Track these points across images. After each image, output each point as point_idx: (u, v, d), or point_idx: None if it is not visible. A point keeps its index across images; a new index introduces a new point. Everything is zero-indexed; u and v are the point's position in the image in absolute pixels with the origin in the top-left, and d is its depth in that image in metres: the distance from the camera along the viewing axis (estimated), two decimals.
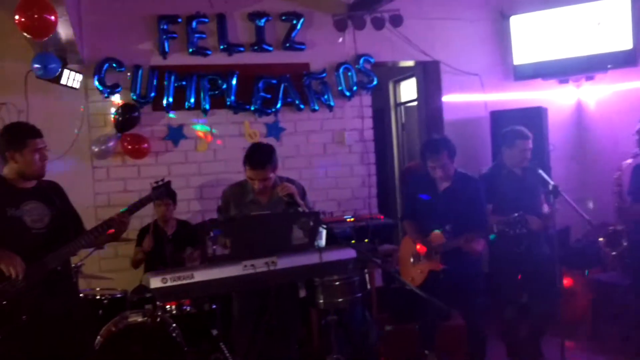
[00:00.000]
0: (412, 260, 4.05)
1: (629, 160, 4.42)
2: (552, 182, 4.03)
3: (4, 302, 2.88)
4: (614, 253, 4.44)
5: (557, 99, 6.48)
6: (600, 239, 4.44)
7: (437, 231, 3.93)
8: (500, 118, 5.92)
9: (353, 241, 4.88)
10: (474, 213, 3.94)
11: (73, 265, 4.11)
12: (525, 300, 4.21)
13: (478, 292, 4.02)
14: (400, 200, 7.59)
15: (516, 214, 3.74)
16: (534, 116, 5.84)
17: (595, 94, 6.37)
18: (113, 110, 5.39)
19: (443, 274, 3.88)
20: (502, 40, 6.42)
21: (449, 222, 3.91)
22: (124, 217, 3.17)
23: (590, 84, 6.30)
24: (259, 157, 3.65)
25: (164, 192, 3.39)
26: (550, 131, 5.95)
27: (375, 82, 6.08)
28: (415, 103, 7.37)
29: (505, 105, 6.15)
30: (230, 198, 3.78)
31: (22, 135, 3.05)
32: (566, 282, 5.05)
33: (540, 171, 4.10)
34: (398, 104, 8.04)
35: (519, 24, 6.28)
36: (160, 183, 3.39)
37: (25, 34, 3.79)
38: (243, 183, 3.83)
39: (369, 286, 4.11)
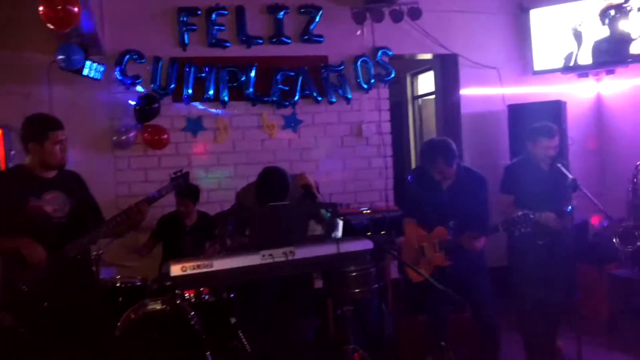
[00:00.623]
0: (415, 256, 4.03)
1: None
2: (570, 176, 4.01)
3: (26, 289, 2.95)
4: (629, 249, 4.41)
5: (577, 93, 6.42)
6: (615, 240, 4.41)
7: (440, 227, 3.93)
8: (518, 112, 5.89)
9: (369, 233, 4.90)
10: (476, 209, 3.93)
11: (94, 253, 4.22)
12: (543, 294, 4.19)
13: (483, 286, 4.02)
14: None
15: (520, 213, 3.74)
16: (553, 110, 5.79)
17: (616, 88, 6.30)
18: (133, 101, 5.47)
19: (450, 269, 3.88)
20: (521, 33, 6.38)
21: (452, 219, 3.91)
22: (142, 206, 3.20)
23: (610, 78, 6.23)
24: (277, 195, 3.67)
25: (182, 183, 3.40)
26: (569, 125, 5.90)
27: (392, 75, 6.08)
28: (432, 96, 7.35)
29: (523, 99, 6.12)
30: (244, 200, 3.79)
31: (44, 127, 3.10)
32: (584, 277, 5.03)
33: (560, 165, 4.08)
34: (415, 97, 8.03)
35: (538, 17, 6.23)
36: (179, 174, 3.40)
37: (48, 25, 3.85)
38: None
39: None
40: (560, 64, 6.12)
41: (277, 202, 3.60)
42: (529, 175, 4.15)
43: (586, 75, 6.27)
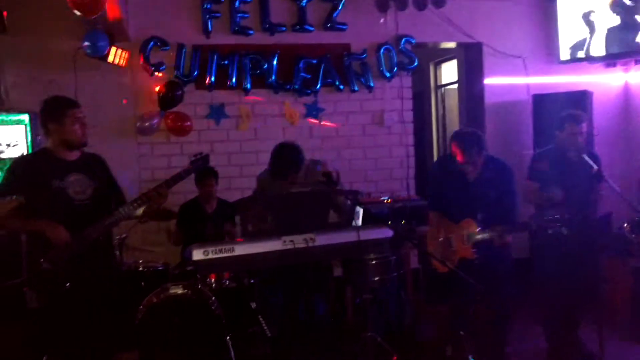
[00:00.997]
0: (441, 248, 4.00)
1: None
2: (595, 167, 3.96)
3: (49, 267, 3.00)
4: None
5: (604, 83, 6.31)
6: (625, 225, 4.34)
7: (469, 219, 3.90)
8: (543, 102, 5.81)
9: (389, 222, 4.89)
10: (505, 201, 3.89)
11: (117, 237, 4.29)
12: (567, 285, 4.15)
13: (508, 278, 3.98)
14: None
15: (557, 215, 3.70)
16: (579, 100, 5.69)
17: None
18: (157, 87, 5.52)
19: (477, 261, 3.86)
20: (547, 22, 6.27)
21: (480, 211, 3.88)
22: (161, 189, 3.22)
23: (639, 67, 6.11)
24: (285, 169, 3.66)
25: (201, 166, 3.41)
26: (596, 116, 5.81)
27: (415, 64, 6.04)
28: (455, 85, 7.29)
29: (548, 89, 6.03)
30: (265, 183, 3.80)
31: (61, 106, 3.15)
32: (607, 269, 4.97)
33: (585, 156, 4.03)
34: (438, 86, 7.96)
35: (565, 5, 6.12)
36: (199, 156, 3.41)
37: (75, 11, 3.90)
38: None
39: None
40: (582, 54, 6.01)
41: (290, 175, 3.57)
42: (556, 164, 4.11)
43: (614, 64, 6.16)
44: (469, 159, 3.87)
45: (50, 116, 3.14)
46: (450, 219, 3.98)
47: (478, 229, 3.83)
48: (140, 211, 3.26)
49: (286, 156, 3.74)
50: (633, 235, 4.29)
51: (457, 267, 3.83)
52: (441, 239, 3.96)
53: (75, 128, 3.11)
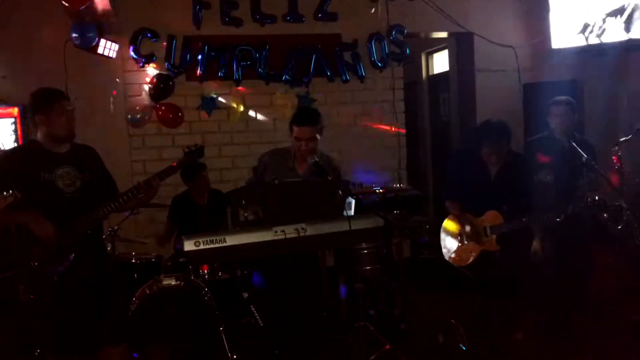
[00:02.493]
0: (459, 240, 4.01)
1: None
2: (585, 156, 3.98)
3: (36, 264, 2.99)
4: (619, 227, 4.40)
5: (594, 72, 6.31)
6: (605, 215, 4.40)
7: (493, 211, 3.89)
8: (533, 91, 5.83)
9: (381, 212, 4.91)
10: (527, 190, 3.91)
11: (109, 229, 4.29)
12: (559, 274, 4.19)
13: (530, 271, 3.98)
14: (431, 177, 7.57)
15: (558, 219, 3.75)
16: (569, 90, 5.71)
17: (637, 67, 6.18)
18: (148, 79, 5.49)
19: (499, 254, 3.85)
20: (538, 10, 6.27)
21: (504, 203, 3.87)
22: (153, 182, 3.21)
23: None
24: (307, 115, 3.67)
25: (197, 158, 3.39)
26: (586, 105, 5.82)
27: (407, 54, 6.04)
28: (448, 75, 7.28)
29: (539, 78, 6.04)
30: (268, 164, 3.77)
31: (48, 98, 3.11)
32: (599, 257, 5.00)
33: (574, 144, 4.05)
34: (430, 76, 7.96)
35: None
36: (193, 148, 3.39)
37: (63, 2, 3.87)
38: (283, 151, 3.81)
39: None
40: (578, 41, 6.00)
41: (310, 120, 3.62)
42: (548, 150, 4.14)
43: (605, 53, 6.15)
44: (497, 150, 3.84)
45: (37, 108, 3.10)
46: (472, 211, 3.96)
47: (503, 221, 3.83)
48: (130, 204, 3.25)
49: (311, 109, 3.87)
50: (611, 224, 4.33)
51: (477, 259, 3.83)
52: (464, 232, 3.94)
53: (62, 120, 3.08)
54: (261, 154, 3.89)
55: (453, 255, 3.96)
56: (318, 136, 3.62)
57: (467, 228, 3.90)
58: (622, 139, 4.41)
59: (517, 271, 3.81)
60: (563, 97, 4.29)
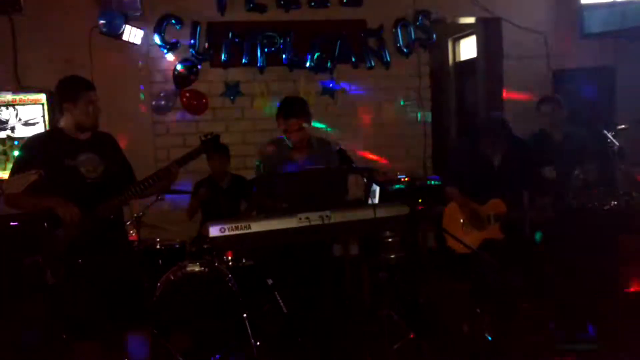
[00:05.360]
0: (462, 226, 3.98)
1: None
2: (617, 144, 3.90)
3: (61, 247, 3.03)
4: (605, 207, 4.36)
5: (628, 59, 6.14)
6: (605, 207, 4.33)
7: (497, 200, 3.86)
8: (564, 78, 5.69)
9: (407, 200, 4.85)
10: (530, 177, 3.88)
11: (135, 215, 4.32)
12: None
13: (534, 258, 3.96)
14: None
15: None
16: (602, 77, 5.58)
17: None
18: (172, 66, 5.49)
19: (502, 243, 3.83)
20: None
21: (508, 190, 3.85)
22: (172, 168, 3.23)
23: None
24: (292, 107, 3.69)
25: (212, 145, 3.42)
26: (620, 93, 5.67)
27: (433, 39, 5.94)
28: (475, 62, 7.15)
29: (570, 65, 5.89)
30: (267, 157, 3.79)
31: (77, 87, 3.16)
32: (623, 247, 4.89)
33: (605, 132, 3.99)
34: (457, 63, 7.83)
35: None
36: (209, 137, 3.42)
37: None
38: (278, 141, 3.83)
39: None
40: (611, 26, 5.83)
41: (294, 111, 3.63)
42: (544, 147, 4.16)
43: (638, 39, 5.98)
44: (496, 146, 3.90)
45: (65, 95, 3.15)
46: (475, 199, 3.94)
47: (506, 210, 3.79)
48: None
49: (294, 99, 3.81)
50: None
51: (480, 247, 3.81)
52: (466, 219, 3.91)
53: (88, 110, 3.13)
54: (261, 145, 3.88)
55: (454, 243, 3.95)
56: (306, 125, 3.66)
57: (469, 216, 3.90)
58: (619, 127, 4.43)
59: (518, 260, 3.81)
60: (550, 95, 4.44)
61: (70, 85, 3.18)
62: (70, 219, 2.99)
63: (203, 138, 3.40)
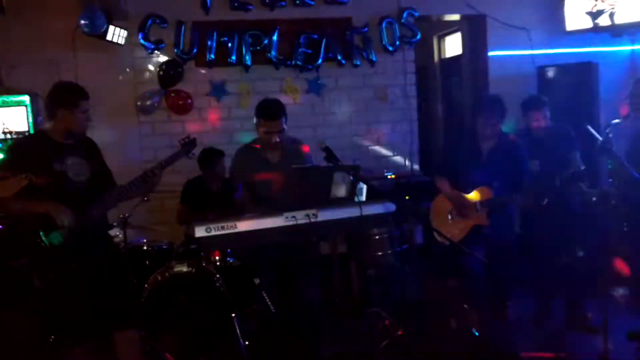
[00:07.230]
0: (450, 217, 4.02)
1: None
2: (600, 138, 3.94)
3: (56, 250, 3.02)
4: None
5: (610, 54, 6.20)
6: (594, 199, 4.40)
7: (484, 187, 3.90)
8: (547, 74, 5.72)
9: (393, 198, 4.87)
10: (518, 173, 3.92)
11: (120, 216, 4.30)
12: (566, 259, 4.18)
13: (515, 247, 4.01)
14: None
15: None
16: (584, 72, 5.63)
17: None
18: (157, 66, 5.47)
19: (488, 229, 3.87)
20: None
21: (495, 180, 3.89)
22: (156, 170, 3.29)
23: None
24: (274, 109, 3.65)
25: (191, 148, 3.50)
26: (602, 88, 5.72)
27: (418, 37, 5.95)
28: (460, 58, 7.18)
29: (554, 60, 5.94)
30: (241, 164, 3.78)
31: (76, 95, 3.18)
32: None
33: (589, 127, 4.03)
34: (442, 60, 7.86)
35: None
36: (187, 140, 3.50)
37: None
38: (248, 146, 3.82)
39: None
40: (593, 23, 5.89)
41: (277, 114, 3.58)
42: (527, 142, 4.16)
43: (620, 35, 6.04)
44: (492, 122, 3.91)
45: (61, 102, 3.15)
46: (461, 186, 4.00)
47: (493, 196, 3.83)
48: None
49: (274, 101, 3.73)
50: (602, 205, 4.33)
51: (468, 234, 3.83)
52: (453, 209, 3.95)
53: (82, 118, 3.17)
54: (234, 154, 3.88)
55: (443, 232, 3.98)
56: (285, 126, 3.64)
57: (456, 205, 3.94)
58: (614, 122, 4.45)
59: (502, 246, 3.88)
60: (534, 95, 4.46)
61: (69, 92, 3.21)
62: (65, 222, 2.99)
63: (181, 141, 3.48)
